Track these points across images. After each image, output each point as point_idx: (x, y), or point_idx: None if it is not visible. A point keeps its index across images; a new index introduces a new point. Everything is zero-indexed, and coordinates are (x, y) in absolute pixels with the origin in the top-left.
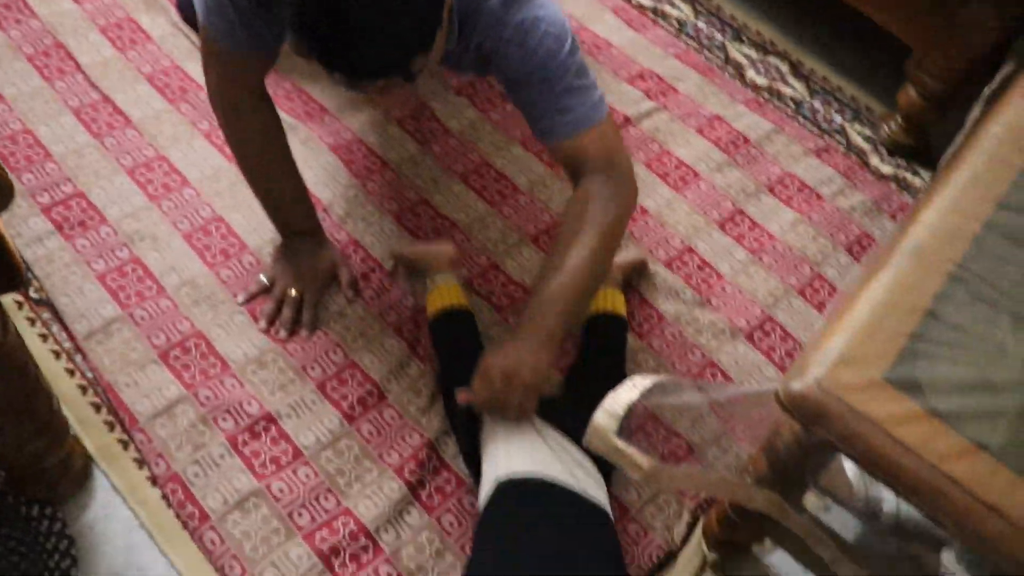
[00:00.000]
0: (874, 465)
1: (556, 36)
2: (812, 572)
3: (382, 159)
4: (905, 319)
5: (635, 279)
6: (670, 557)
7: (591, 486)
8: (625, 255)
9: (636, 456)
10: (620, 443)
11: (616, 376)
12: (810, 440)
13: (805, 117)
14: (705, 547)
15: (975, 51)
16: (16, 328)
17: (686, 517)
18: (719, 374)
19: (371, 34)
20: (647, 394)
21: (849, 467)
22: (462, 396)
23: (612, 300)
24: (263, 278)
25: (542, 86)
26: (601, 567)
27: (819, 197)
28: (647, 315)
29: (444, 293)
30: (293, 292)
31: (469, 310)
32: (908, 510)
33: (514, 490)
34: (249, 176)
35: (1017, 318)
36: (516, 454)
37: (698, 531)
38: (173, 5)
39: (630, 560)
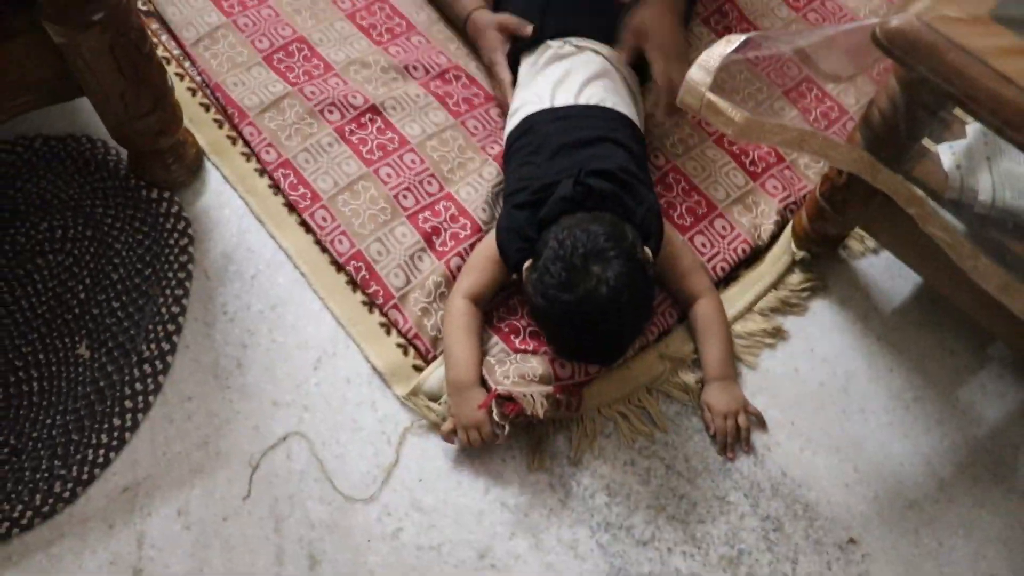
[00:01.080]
0: (972, 98)
1: None
2: (902, 260)
3: None
4: None
5: None
6: (757, 255)
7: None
8: None
9: (729, 110)
10: (713, 97)
11: None
12: (908, 102)
13: None
14: (794, 245)
15: None
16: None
17: (774, 216)
18: (815, 86)
19: None
20: (742, 47)
21: (945, 158)
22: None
23: None
24: None
25: None
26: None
27: None
28: (743, 29)
29: None
30: None
31: None
32: (1004, 200)
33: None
34: None
35: None
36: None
37: (787, 231)
38: None
39: (715, 253)
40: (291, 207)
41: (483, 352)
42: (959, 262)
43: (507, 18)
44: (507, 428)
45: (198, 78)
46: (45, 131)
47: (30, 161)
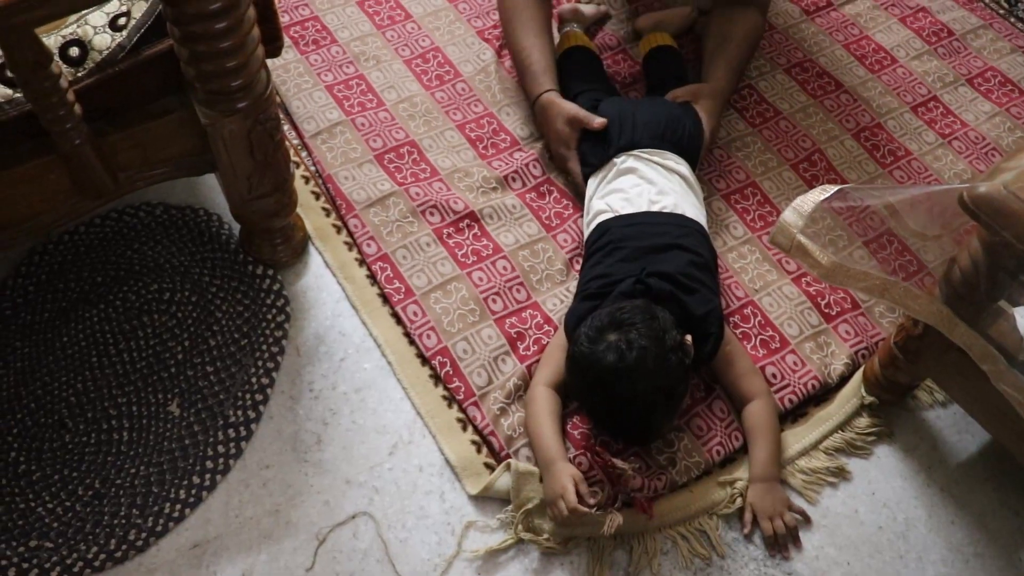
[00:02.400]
0: None
1: None
2: (971, 415)
3: None
4: None
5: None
6: (826, 393)
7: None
8: (676, 12)
9: (817, 252)
10: (803, 239)
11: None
12: (990, 264)
13: (1017, 16)
14: (864, 389)
15: None
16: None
17: (845, 359)
18: (895, 240)
19: None
20: (835, 196)
21: (1021, 321)
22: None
23: (662, 38)
24: None
25: None
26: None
27: (1022, 92)
28: (831, 179)
29: (570, 37)
30: None
31: (589, 47)
32: None
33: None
34: None
35: None
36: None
37: (858, 375)
38: None
39: (785, 385)
40: (385, 298)
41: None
42: None
43: (577, 111)
44: (599, 493)
45: (312, 168)
46: (167, 200)
47: (150, 226)
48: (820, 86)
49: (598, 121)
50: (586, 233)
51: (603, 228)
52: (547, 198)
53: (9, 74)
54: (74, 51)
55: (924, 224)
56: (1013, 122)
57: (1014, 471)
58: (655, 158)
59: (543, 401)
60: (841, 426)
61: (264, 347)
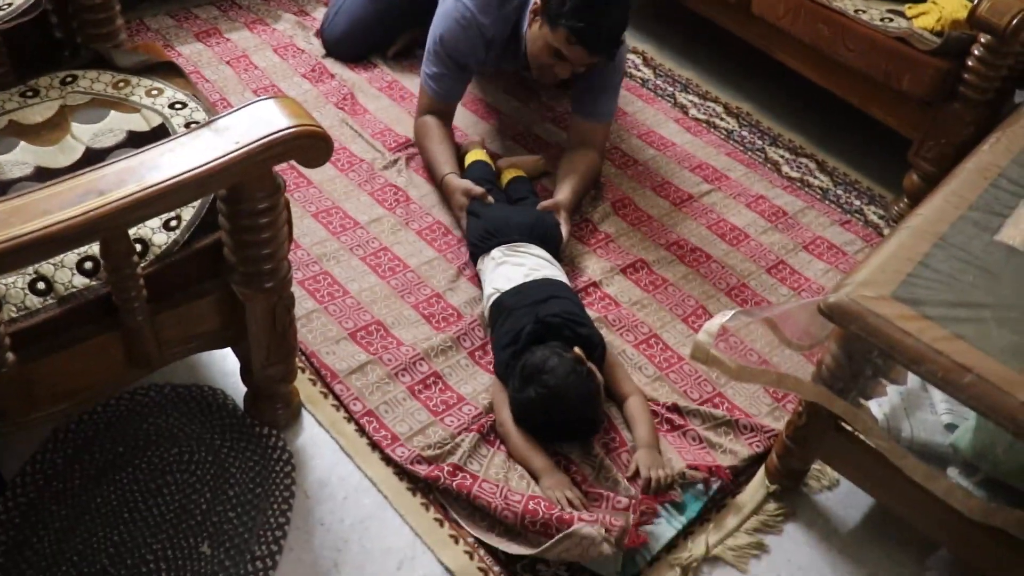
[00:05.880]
0: (888, 347)
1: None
2: (853, 482)
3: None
4: (904, 264)
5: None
6: (737, 487)
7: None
8: (529, 158)
9: (727, 360)
10: (715, 352)
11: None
12: (846, 356)
13: (830, 200)
14: (767, 480)
15: (959, 138)
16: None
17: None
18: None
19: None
20: (732, 318)
21: (874, 409)
22: None
23: (516, 172)
24: None
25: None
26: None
27: (844, 253)
28: None
29: (473, 154)
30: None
31: (486, 160)
32: (921, 438)
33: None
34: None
35: (980, 268)
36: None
37: (762, 469)
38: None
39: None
40: (374, 445)
41: None
42: (893, 460)
43: (467, 184)
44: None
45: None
46: (172, 381)
47: (160, 403)
48: (695, 258)
49: (480, 190)
50: (486, 315)
51: (497, 304)
52: (490, 355)
53: (87, 266)
54: (138, 246)
55: (796, 335)
56: (842, 275)
57: (894, 533)
58: (522, 248)
59: (514, 429)
60: (754, 511)
61: (277, 493)
